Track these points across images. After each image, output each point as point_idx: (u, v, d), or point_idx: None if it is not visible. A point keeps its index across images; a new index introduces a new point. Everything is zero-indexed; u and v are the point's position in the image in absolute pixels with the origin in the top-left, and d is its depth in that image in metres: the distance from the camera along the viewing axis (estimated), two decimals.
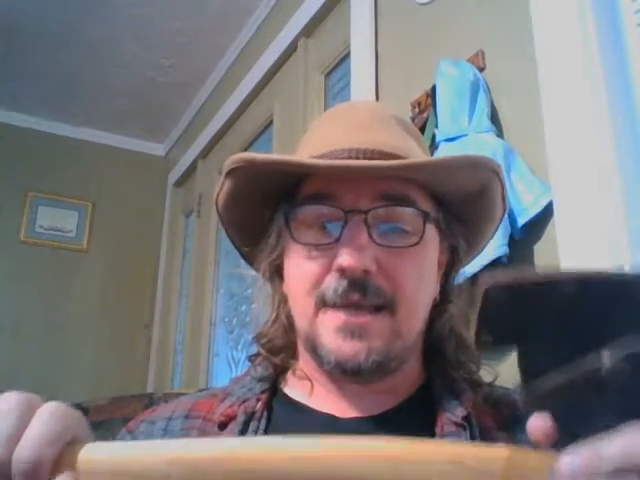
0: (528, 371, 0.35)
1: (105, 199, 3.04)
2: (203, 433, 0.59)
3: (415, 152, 0.62)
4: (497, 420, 0.59)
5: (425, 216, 0.59)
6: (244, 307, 2.23)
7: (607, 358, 0.32)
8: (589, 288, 0.34)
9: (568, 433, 0.33)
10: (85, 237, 2.97)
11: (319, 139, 0.63)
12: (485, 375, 0.65)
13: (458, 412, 0.57)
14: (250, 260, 0.70)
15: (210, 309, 2.51)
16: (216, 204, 0.66)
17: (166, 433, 0.60)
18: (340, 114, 0.67)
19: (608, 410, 0.32)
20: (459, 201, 0.63)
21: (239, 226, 0.68)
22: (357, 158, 0.58)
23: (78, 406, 1.19)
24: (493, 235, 0.69)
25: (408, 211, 0.58)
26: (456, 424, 0.56)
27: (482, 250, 0.71)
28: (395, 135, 0.63)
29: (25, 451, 0.37)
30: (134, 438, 0.61)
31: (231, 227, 0.69)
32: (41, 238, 2.88)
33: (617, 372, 0.32)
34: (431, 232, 0.61)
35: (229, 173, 0.61)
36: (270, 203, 0.64)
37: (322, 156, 0.59)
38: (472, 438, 0.55)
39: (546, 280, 0.35)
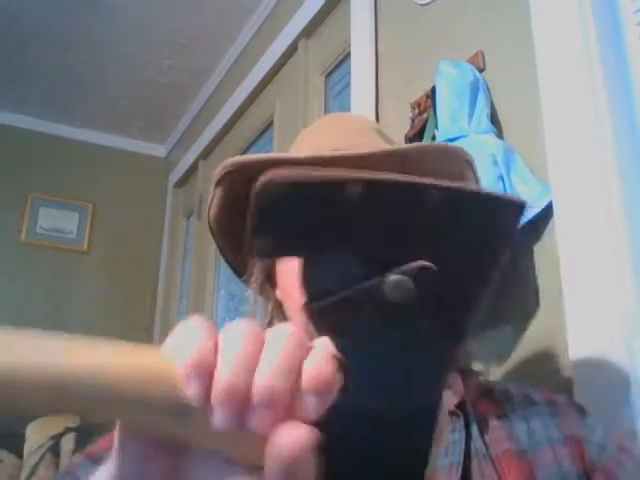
0: (311, 284, 0.29)
1: (106, 200, 3.04)
2: None
3: None
4: (493, 405, 0.61)
5: None
6: (245, 308, 2.23)
7: (393, 275, 0.28)
8: (378, 191, 0.29)
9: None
10: (86, 238, 2.97)
11: (306, 145, 0.66)
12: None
13: (450, 401, 0.58)
14: (237, 268, 0.71)
15: (211, 310, 2.51)
16: (208, 215, 0.66)
17: None
18: (326, 124, 0.71)
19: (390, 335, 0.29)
20: None
21: (230, 236, 0.69)
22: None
23: None
24: None
25: None
26: (450, 412, 0.57)
27: None
28: (376, 140, 0.67)
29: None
30: None
31: (222, 236, 0.69)
32: (42, 239, 2.89)
33: (400, 287, 0.28)
34: None
35: (220, 181, 0.61)
36: None
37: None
38: (466, 425, 0.57)
39: (334, 179, 0.29)
